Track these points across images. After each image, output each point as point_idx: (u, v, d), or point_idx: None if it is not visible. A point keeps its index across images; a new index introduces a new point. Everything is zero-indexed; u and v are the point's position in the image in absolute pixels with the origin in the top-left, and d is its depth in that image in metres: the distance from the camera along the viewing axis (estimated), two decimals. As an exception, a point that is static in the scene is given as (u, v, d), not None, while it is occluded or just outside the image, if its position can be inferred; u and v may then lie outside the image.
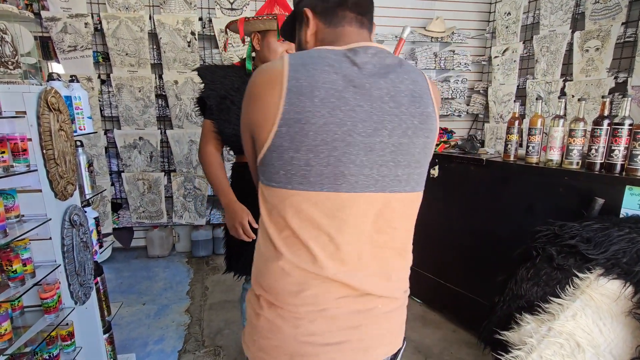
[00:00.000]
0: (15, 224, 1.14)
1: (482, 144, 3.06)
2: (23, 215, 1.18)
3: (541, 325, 1.28)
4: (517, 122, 1.85)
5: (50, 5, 2.76)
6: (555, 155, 1.70)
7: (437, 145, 2.34)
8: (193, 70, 1.42)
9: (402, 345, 0.77)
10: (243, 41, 1.44)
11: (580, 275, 1.28)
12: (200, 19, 2.95)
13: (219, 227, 3.28)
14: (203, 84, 1.40)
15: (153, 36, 2.93)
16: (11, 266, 1.08)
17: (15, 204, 1.13)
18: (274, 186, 0.62)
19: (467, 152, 2.24)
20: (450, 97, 3.27)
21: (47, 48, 2.91)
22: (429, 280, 2.37)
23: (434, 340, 2.13)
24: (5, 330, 1.08)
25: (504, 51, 3.01)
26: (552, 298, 1.33)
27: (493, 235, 1.98)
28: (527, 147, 1.82)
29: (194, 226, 3.30)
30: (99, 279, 1.56)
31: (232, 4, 2.92)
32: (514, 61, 2.95)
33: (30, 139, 1.14)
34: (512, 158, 1.91)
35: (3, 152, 1.05)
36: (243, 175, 1.45)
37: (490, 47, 3.19)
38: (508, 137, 1.91)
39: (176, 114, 3.05)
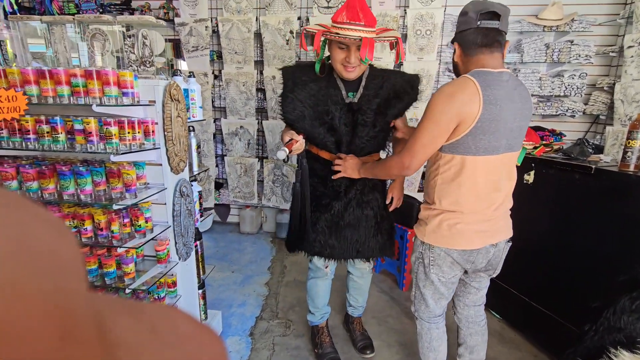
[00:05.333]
0: (143, 189, 1.46)
1: (601, 150, 2.60)
2: (148, 183, 1.50)
3: (640, 365, 1.09)
4: (642, 126, 1.55)
5: (182, 13, 3.31)
6: (692, 168, 1.38)
7: (536, 148, 2.10)
8: (279, 69, 1.58)
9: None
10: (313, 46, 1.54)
11: None
12: (299, 18, 3.17)
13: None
14: (283, 84, 1.57)
15: (257, 36, 3.26)
16: (138, 221, 1.39)
17: (144, 174, 1.45)
18: None
19: (573, 158, 1.95)
20: (562, 94, 2.85)
21: (178, 49, 3.50)
22: (512, 295, 2.16)
23: (510, 360, 1.95)
24: (131, 270, 1.40)
25: (643, 40, 2.49)
26: (660, 337, 1.12)
27: (594, 255, 1.71)
28: (654, 156, 1.51)
29: (279, 209, 3.60)
30: (198, 242, 1.86)
31: (328, 2, 3.06)
32: (656, 52, 2.42)
33: (156, 123, 1.43)
34: (631, 168, 1.61)
35: (138, 132, 1.35)
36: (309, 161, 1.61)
37: (624, 35, 2.67)
38: (629, 142, 1.62)
39: (272, 106, 3.36)
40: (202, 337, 0.26)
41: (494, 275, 1.47)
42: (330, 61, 1.54)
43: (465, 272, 1.44)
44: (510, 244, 1.40)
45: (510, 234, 1.39)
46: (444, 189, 1.28)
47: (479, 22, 1.17)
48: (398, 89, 1.51)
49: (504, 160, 1.26)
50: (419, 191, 3.30)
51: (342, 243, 1.64)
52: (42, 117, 1.28)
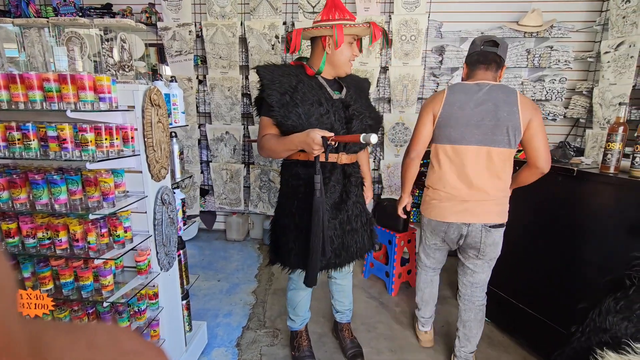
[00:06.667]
0: (122, 198, 1.40)
1: (581, 152, 2.66)
2: (127, 191, 1.45)
3: (627, 366, 1.10)
4: (621, 129, 1.59)
5: (165, 17, 3.25)
6: (670, 170, 1.42)
7: (519, 152, 2.12)
8: (252, 69, 1.61)
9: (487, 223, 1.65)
10: (294, 50, 1.55)
11: (687, 315, 1.06)
12: (284, 23, 3.16)
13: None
14: (260, 84, 1.52)
15: (242, 40, 3.23)
16: (116, 231, 1.33)
17: (122, 182, 1.39)
18: None
19: (555, 161, 1.99)
20: (544, 98, 2.91)
21: (162, 53, 3.43)
22: (500, 298, 2.17)
23: (499, 363, 1.95)
24: (109, 282, 1.34)
25: (618, 45, 2.57)
26: (645, 337, 1.13)
27: (579, 257, 1.73)
28: (634, 158, 1.55)
29: (266, 216, 3.55)
30: (181, 252, 1.80)
31: (313, 7, 3.06)
32: (631, 57, 2.50)
33: (136, 129, 1.38)
34: (612, 170, 1.65)
35: (116, 138, 1.30)
36: (292, 170, 1.58)
37: (600, 41, 2.75)
38: (609, 145, 1.65)
39: (258, 112, 3.32)
40: (145, 353, 0.26)
41: (484, 259, 1.71)
42: (309, 61, 1.58)
43: (457, 250, 1.80)
44: (493, 230, 1.64)
45: (492, 221, 1.63)
46: (428, 170, 1.77)
47: (481, 47, 1.59)
48: (361, 85, 1.73)
49: (473, 151, 1.57)
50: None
51: (348, 250, 1.60)
52: (13, 124, 1.22)
